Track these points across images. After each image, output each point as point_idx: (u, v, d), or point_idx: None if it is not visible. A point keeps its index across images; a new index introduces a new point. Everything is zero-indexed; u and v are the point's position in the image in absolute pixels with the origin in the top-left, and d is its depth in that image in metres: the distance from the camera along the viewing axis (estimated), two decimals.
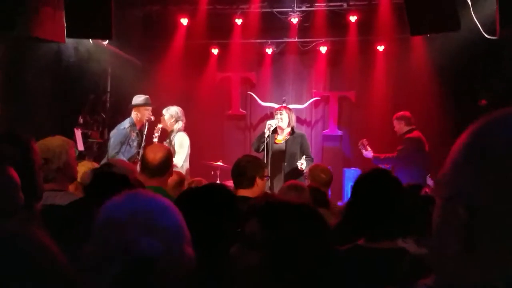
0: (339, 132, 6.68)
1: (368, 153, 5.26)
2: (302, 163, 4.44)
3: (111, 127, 5.75)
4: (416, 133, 5.14)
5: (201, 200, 1.64)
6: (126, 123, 4.75)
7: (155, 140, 4.56)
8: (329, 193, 5.75)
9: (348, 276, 1.53)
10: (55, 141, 2.26)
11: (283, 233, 1.02)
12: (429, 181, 5.35)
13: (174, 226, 0.96)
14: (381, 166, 5.49)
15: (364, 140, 5.43)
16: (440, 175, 0.67)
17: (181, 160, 4.66)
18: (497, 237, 0.58)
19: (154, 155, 2.66)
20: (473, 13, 4.08)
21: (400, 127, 5.20)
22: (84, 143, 5.60)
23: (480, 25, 4.19)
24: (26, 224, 0.67)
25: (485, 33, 4.09)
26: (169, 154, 2.76)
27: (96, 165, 2.98)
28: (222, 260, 1.35)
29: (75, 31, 3.97)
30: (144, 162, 2.68)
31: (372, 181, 1.59)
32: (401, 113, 5.26)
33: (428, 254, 0.71)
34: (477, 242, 0.59)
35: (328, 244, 1.07)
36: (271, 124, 4.66)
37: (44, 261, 0.62)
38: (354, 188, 1.61)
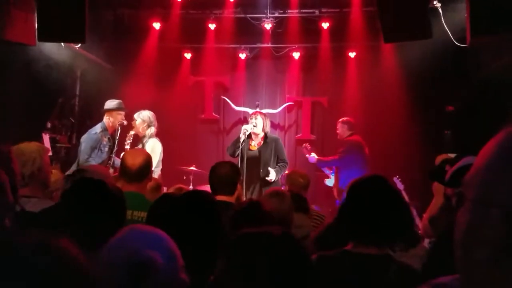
0: (312, 137, 6.78)
1: (312, 157, 5.50)
2: (271, 179, 4.50)
3: (80, 132, 5.61)
4: (355, 137, 5.43)
5: (186, 208, 1.63)
6: (97, 128, 4.64)
7: (127, 147, 4.47)
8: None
9: (334, 282, 1.55)
10: (30, 146, 2.20)
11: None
12: (399, 184, 5.53)
13: (170, 251, 0.99)
14: (325, 169, 5.79)
15: (307, 144, 5.69)
16: (470, 177, 0.64)
17: (153, 166, 4.59)
18: None
19: (133, 161, 2.61)
20: (444, 21, 4.24)
21: (342, 131, 5.48)
22: (52, 148, 5.42)
23: (451, 33, 4.35)
24: (52, 232, 0.66)
25: (456, 41, 4.26)
26: (149, 160, 2.72)
27: (60, 175, 2.89)
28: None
29: (47, 34, 3.85)
30: (123, 167, 2.63)
31: (368, 186, 1.59)
32: (346, 118, 5.54)
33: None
34: (507, 254, 0.57)
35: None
36: (246, 129, 4.67)
37: (75, 270, 0.61)
38: (349, 192, 1.61)
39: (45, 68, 5.16)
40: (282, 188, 3.48)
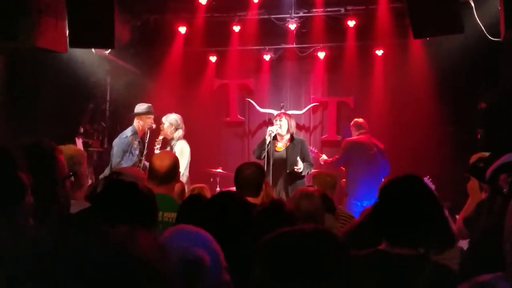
0: (338, 137, 6.70)
1: (322, 159, 5.56)
2: (299, 168, 4.48)
3: (111, 136, 5.75)
4: (353, 138, 5.41)
5: (219, 209, 1.64)
6: (128, 132, 4.75)
7: (157, 151, 4.55)
8: None
9: (367, 281, 1.53)
10: (69, 149, 2.26)
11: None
12: (430, 184, 5.40)
13: (216, 251, 1.01)
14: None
15: (312, 148, 5.67)
16: None
17: (182, 168, 4.65)
18: None
19: (161, 163, 2.66)
20: (476, 15, 4.09)
21: (353, 133, 5.51)
22: (85, 152, 5.59)
23: (484, 27, 4.20)
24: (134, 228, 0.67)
25: (489, 35, 4.10)
26: (176, 162, 2.76)
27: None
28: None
29: (77, 41, 3.97)
30: (152, 169, 2.68)
31: (402, 186, 1.57)
32: (355, 120, 5.56)
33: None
34: None
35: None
36: (272, 130, 4.67)
37: (155, 267, 0.62)
38: (382, 192, 1.59)
39: (77, 75, 5.32)
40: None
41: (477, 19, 4.08)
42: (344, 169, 5.58)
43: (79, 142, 5.29)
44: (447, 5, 3.73)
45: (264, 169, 2.73)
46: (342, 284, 1.02)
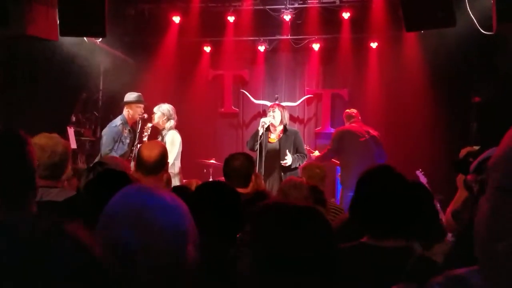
0: (332, 130, 6.70)
1: (313, 156, 5.48)
2: (286, 162, 4.49)
3: (104, 125, 5.71)
4: (342, 127, 5.39)
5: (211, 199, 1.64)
6: (117, 121, 4.73)
7: (145, 139, 4.53)
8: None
9: (352, 274, 1.54)
10: (52, 138, 2.25)
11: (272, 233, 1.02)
12: (421, 177, 5.41)
13: (172, 226, 0.93)
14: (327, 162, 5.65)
15: (305, 145, 5.56)
16: (494, 162, 0.60)
17: (172, 158, 4.64)
18: None
19: (150, 153, 2.65)
20: (469, 8, 4.08)
21: (345, 123, 5.45)
22: (77, 141, 5.57)
23: (476, 20, 4.19)
24: (61, 220, 0.67)
25: (482, 28, 4.10)
26: (165, 152, 2.75)
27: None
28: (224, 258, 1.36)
29: (69, 29, 3.93)
30: (140, 159, 2.67)
31: (375, 177, 1.58)
32: (345, 110, 5.53)
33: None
34: None
35: (325, 243, 1.06)
36: (264, 121, 4.67)
37: (84, 259, 0.62)
38: (357, 185, 1.60)
39: (69, 63, 5.27)
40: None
41: (470, 12, 4.07)
42: (337, 161, 5.56)
43: (71, 131, 5.26)
44: None
45: (253, 160, 2.72)
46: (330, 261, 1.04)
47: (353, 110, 5.45)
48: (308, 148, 5.58)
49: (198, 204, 1.58)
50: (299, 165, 4.63)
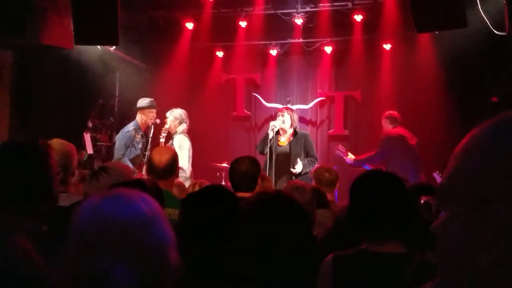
0: (345, 132, 6.68)
1: (348, 159, 5.34)
2: (296, 171, 4.50)
3: (119, 131, 5.83)
4: (394, 129, 5.20)
5: (206, 203, 1.66)
6: (130, 126, 4.83)
7: (162, 140, 4.61)
8: (336, 193, 5.79)
9: (351, 282, 1.54)
10: (60, 143, 2.32)
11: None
12: (439, 179, 5.33)
13: (153, 239, 0.88)
14: (366, 166, 5.55)
15: (340, 146, 5.52)
16: (451, 178, 0.60)
17: (181, 162, 4.70)
18: None
19: (160, 158, 2.70)
20: (481, 9, 4.03)
21: (385, 126, 5.31)
22: (93, 146, 5.70)
23: (489, 21, 4.13)
24: (9, 232, 0.69)
25: (494, 29, 4.04)
26: (175, 157, 2.80)
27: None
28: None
29: (83, 38, 4.04)
30: (151, 164, 2.73)
31: (368, 183, 1.58)
32: (388, 112, 5.35)
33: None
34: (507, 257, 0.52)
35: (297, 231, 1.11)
36: (274, 125, 4.69)
37: (24, 269, 0.63)
38: (351, 190, 1.60)
39: (85, 70, 5.42)
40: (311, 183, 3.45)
41: (482, 13, 4.01)
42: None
43: (87, 137, 5.39)
44: None
45: (259, 163, 2.73)
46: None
47: (396, 113, 5.34)
48: (344, 150, 5.44)
49: (193, 210, 1.60)
50: (310, 170, 4.64)
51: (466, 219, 0.57)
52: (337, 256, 1.58)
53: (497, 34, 3.95)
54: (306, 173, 4.59)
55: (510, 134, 0.58)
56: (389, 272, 1.51)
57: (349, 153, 5.38)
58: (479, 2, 4.07)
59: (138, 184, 1.75)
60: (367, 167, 5.66)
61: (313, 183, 3.57)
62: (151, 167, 2.72)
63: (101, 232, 0.85)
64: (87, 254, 0.85)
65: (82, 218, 0.88)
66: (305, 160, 4.65)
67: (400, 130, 5.23)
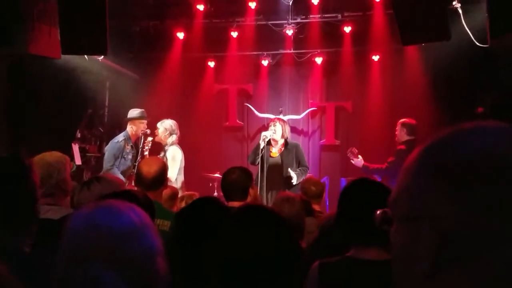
0: (336, 142, 6.69)
1: (359, 161, 5.12)
2: (292, 180, 4.48)
3: (109, 141, 5.79)
4: (408, 146, 4.88)
5: (195, 217, 1.65)
6: (120, 137, 4.79)
7: (146, 153, 4.58)
8: (327, 202, 5.78)
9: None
10: (54, 156, 2.28)
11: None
12: None
13: (143, 248, 0.91)
14: (371, 176, 5.36)
15: (353, 148, 5.32)
16: (397, 194, 0.65)
17: (174, 173, 4.67)
18: (464, 263, 0.55)
19: (149, 169, 2.68)
20: (464, 22, 4.11)
21: (401, 134, 4.97)
22: (82, 157, 5.63)
23: (472, 33, 4.22)
24: None
25: (477, 41, 4.12)
26: (164, 167, 2.77)
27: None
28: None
29: (70, 47, 4.01)
30: (139, 175, 2.70)
31: (356, 189, 1.60)
32: (408, 120, 5.01)
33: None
34: (443, 266, 0.57)
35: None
36: (266, 135, 4.69)
37: None
38: (340, 197, 1.62)
39: (74, 80, 5.37)
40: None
41: (465, 25, 4.09)
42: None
43: (76, 148, 5.33)
44: (434, 12, 3.75)
45: (250, 173, 2.73)
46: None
47: (414, 121, 4.99)
48: (354, 151, 5.18)
49: (184, 223, 1.59)
50: (302, 179, 4.62)
51: (405, 232, 0.63)
52: (323, 264, 1.59)
53: (481, 46, 4.02)
54: (297, 184, 4.58)
55: (436, 156, 0.62)
56: (375, 279, 1.51)
57: (359, 156, 5.14)
58: (462, 15, 4.14)
59: (128, 195, 1.73)
60: (377, 176, 5.27)
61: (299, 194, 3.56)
62: (140, 178, 2.69)
63: (91, 240, 0.89)
64: (77, 261, 0.88)
65: (73, 226, 0.92)
66: (297, 170, 4.64)
67: (416, 145, 5.01)
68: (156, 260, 0.94)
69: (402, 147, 4.90)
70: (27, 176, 1.46)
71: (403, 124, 4.99)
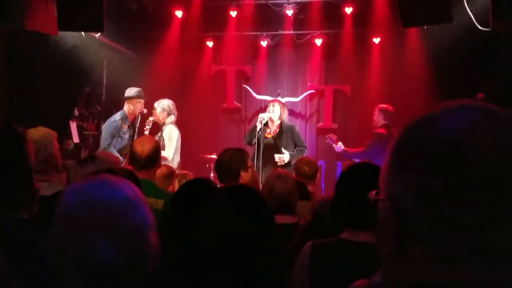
0: (334, 125, 6.68)
1: (338, 147, 5.31)
2: (280, 157, 4.48)
3: (106, 120, 5.78)
4: (387, 131, 5.10)
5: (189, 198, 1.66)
6: (117, 116, 4.78)
7: (146, 133, 4.58)
8: (323, 186, 5.80)
9: (330, 270, 1.55)
10: (39, 132, 2.27)
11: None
12: None
13: (136, 220, 0.94)
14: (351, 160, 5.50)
15: (332, 134, 5.50)
16: (381, 176, 0.68)
17: (170, 153, 4.68)
18: (423, 241, 0.58)
19: (142, 148, 2.67)
20: (467, 5, 4.05)
21: (378, 119, 5.20)
22: (80, 135, 5.62)
23: (474, 17, 4.15)
24: None
25: (479, 25, 4.07)
26: (157, 147, 2.77)
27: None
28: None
29: (67, 24, 3.96)
30: (132, 154, 2.69)
31: (355, 173, 1.60)
32: (385, 106, 5.26)
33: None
34: (406, 245, 0.60)
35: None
36: (263, 117, 4.68)
37: None
38: (338, 180, 1.64)
39: (72, 58, 5.32)
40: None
41: (467, 8, 4.03)
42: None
43: (74, 125, 5.32)
44: None
45: (242, 155, 2.72)
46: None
47: (391, 107, 5.22)
48: (335, 138, 5.38)
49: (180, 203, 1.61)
50: (294, 158, 4.61)
51: (381, 213, 0.67)
52: (316, 244, 1.61)
53: (482, 30, 3.96)
54: (290, 164, 4.60)
55: (398, 141, 0.66)
56: (366, 261, 1.53)
57: (339, 142, 5.37)
58: None
59: (112, 173, 1.74)
60: (356, 160, 5.66)
61: (293, 174, 3.56)
62: (133, 157, 2.69)
63: (86, 211, 0.91)
64: (71, 230, 0.91)
65: (67, 199, 0.95)
66: (294, 150, 4.65)
67: (391, 129, 5.12)
68: (148, 235, 0.95)
69: (381, 130, 5.10)
70: (21, 146, 1.46)
71: (380, 110, 5.23)
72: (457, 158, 0.58)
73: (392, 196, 0.62)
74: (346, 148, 5.33)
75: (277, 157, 4.56)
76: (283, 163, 4.54)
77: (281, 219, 2.07)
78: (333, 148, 5.51)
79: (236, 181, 2.56)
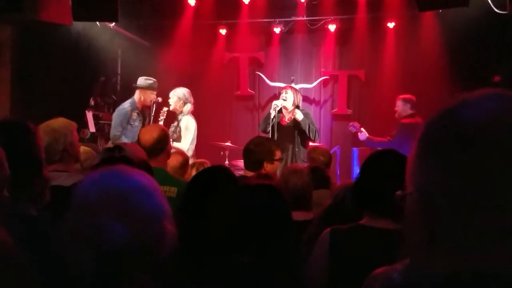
0: (348, 111, 6.64)
1: (362, 134, 5.21)
2: (296, 116, 4.49)
3: None
4: (414, 119, 4.99)
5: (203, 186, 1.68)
6: (126, 104, 4.80)
7: (161, 123, 4.60)
8: (338, 172, 5.78)
9: (349, 256, 1.55)
10: (59, 122, 2.30)
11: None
12: None
13: (150, 207, 0.95)
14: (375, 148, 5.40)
15: (355, 122, 5.41)
16: (407, 168, 0.69)
17: (187, 143, 4.70)
18: (453, 229, 0.59)
19: (149, 136, 2.67)
20: None
21: (403, 109, 5.09)
22: (96, 124, 5.71)
23: (492, 0, 4.06)
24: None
25: (496, 8, 3.98)
26: (164, 134, 2.75)
27: (89, 151, 2.96)
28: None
29: (82, 14, 4.00)
30: (139, 142, 2.70)
31: (381, 158, 1.60)
32: (408, 96, 5.16)
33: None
34: (436, 233, 0.61)
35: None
36: (277, 104, 4.67)
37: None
38: (363, 165, 1.62)
39: (87, 48, 5.38)
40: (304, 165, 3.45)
41: None
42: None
43: (90, 115, 5.40)
44: None
45: (270, 146, 2.69)
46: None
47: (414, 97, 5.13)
48: (356, 126, 5.28)
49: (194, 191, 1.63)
50: (310, 132, 4.59)
51: (409, 204, 0.68)
52: (335, 230, 1.60)
53: (499, 13, 3.87)
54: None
55: (434, 136, 0.66)
56: (385, 246, 1.52)
57: (362, 129, 5.26)
58: None
59: (125, 160, 1.77)
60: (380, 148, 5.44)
61: (307, 164, 3.56)
62: (140, 145, 2.69)
63: (101, 195, 0.94)
64: (86, 213, 0.93)
65: (84, 186, 0.98)
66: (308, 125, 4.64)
67: (419, 119, 4.98)
68: (164, 222, 0.97)
69: (408, 120, 4.98)
70: (27, 137, 1.48)
71: (405, 100, 5.12)
72: (488, 141, 0.59)
73: (422, 187, 0.63)
74: (370, 136, 5.24)
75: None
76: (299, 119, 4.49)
77: (296, 215, 2.08)
78: (349, 134, 5.47)
79: (256, 169, 2.56)
